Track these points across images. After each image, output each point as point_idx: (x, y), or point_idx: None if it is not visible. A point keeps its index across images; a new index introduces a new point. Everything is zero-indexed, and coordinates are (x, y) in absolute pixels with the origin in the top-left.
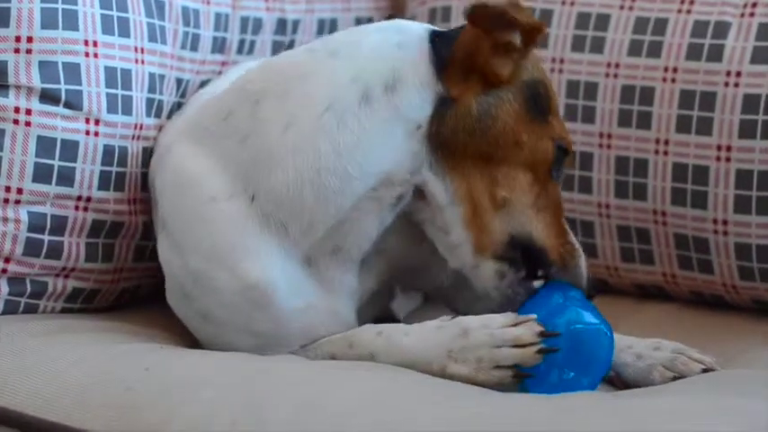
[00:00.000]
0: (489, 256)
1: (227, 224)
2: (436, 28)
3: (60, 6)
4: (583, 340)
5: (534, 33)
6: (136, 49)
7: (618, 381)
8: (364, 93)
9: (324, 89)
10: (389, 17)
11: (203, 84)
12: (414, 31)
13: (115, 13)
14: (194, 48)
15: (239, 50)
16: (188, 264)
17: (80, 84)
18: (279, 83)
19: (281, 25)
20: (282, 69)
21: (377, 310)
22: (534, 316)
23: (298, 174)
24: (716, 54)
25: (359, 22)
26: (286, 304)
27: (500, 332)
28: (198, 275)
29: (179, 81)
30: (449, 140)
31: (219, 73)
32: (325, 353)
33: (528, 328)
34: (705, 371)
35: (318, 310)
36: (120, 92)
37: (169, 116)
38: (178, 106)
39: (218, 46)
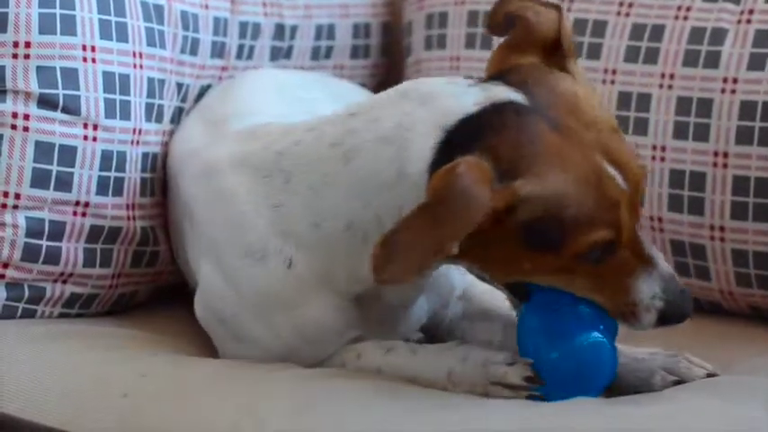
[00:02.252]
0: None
1: (273, 278)
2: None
3: (58, 11)
4: (583, 361)
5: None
6: (134, 54)
7: (618, 385)
8: (377, 218)
9: (341, 207)
10: None
11: (204, 89)
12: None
13: (113, 18)
14: (194, 52)
15: (239, 56)
16: (237, 312)
17: (78, 89)
18: (335, 144)
19: (280, 31)
20: (335, 136)
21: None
22: (530, 361)
23: (333, 234)
24: (713, 60)
25: (356, 28)
26: (338, 338)
27: (493, 368)
28: (252, 314)
29: (179, 86)
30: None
31: (220, 78)
32: (334, 361)
33: (517, 372)
34: (708, 376)
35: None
36: (118, 97)
37: (172, 121)
38: (179, 111)
39: (218, 50)
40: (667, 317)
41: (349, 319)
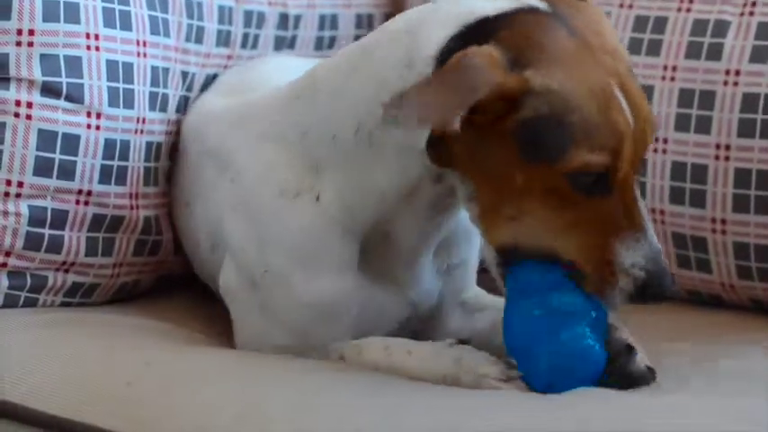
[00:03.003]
0: (493, 246)
1: (305, 219)
2: None
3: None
4: (570, 367)
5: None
6: (138, 43)
7: None
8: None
9: (353, 105)
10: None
11: (209, 78)
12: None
13: (117, 6)
14: (199, 40)
15: (243, 44)
16: (266, 258)
17: (81, 77)
18: (335, 80)
19: (283, 20)
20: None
21: (425, 306)
22: (520, 375)
23: (349, 182)
24: (715, 53)
25: (359, 18)
26: (348, 319)
27: (486, 382)
28: (274, 275)
29: (184, 74)
30: (450, 163)
31: (225, 67)
32: (336, 353)
33: (510, 388)
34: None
35: (370, 304)
36: (121, 85)
37: (178, 110)
38: (185, 100)
39: (223, 39)
40: (645, 290)
41: (356, 260)
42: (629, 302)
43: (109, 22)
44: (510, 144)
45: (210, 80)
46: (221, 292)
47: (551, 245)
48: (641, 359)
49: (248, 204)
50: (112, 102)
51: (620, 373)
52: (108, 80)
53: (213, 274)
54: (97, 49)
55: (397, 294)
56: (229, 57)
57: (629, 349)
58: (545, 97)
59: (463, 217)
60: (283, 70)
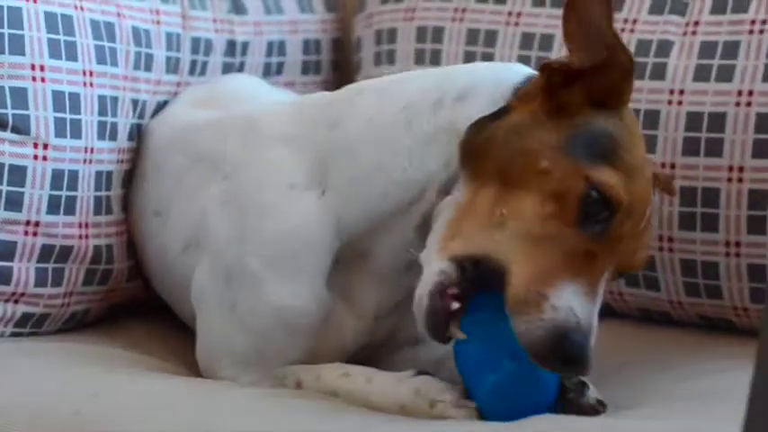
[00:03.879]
0: (445, 257)
1: (300, 219)
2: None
3: (6, 31)
4: (516, 396)
5: (615, 59)
6: (84, 73)
7: None
8: (438, 99)
9: (411, 91)
10: None
11: (161, 104)
12: (521, 68)
13: (62, 37)
14: (148, 68)
15: (191, 71)
16: (245, 254)
17: (27, 108)
18: (384, 81)
19: (231, 47)
20: (396, 75)
21: (383, 332)
22: (474, 406)
23: (361, 168)
24: (659, 72)
25: (307, 44)
26: (308, 331)
27: (440, 407)
28: (248, 270)
29: (135, 102)
30: (479, 150)
31: (175, 93)
32: (294, 378)
33: (462, 415)
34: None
35: (330, 323)
36: (68, 116)
37: (130, 138)
38: (137, 128)
39: (173, 66)
40: (567, 338)
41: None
42: (538, 339)
43: (54, 53)
44: (563, 134)
45: (162, 107)
46: (192, 293)
47: (507, 258)
48: (593, 392)
49: (244, 199)
50: (59, 132)
51: (571, 406)
52: (54, 111)
53: (180, 281)
54: (43, 80)
55: (359, 318)
56: (179, 84)
57: (582, 384)
58: (619, 122)
59: None
60: (250, 86)
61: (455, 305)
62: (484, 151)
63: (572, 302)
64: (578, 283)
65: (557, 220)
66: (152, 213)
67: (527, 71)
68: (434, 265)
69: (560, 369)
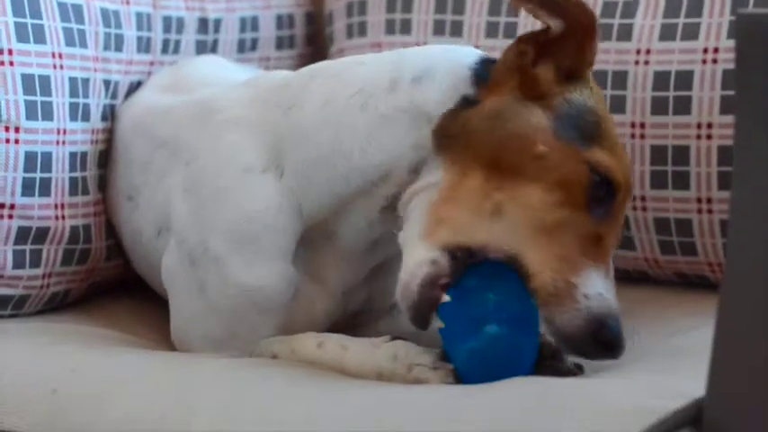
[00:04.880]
0: (435, 245)
1: (259, 201)
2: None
3: None
4: (497, 362)
5: (579, 21)
6: (53, 55)
7: None
8: (393, 81)
9: (365, 74)
10: None
11: (133, 84)
12: (471, 50)
13: (29, 21)
14: (119, 48)
15: (164, 50)
16: (207, 238)
17: None
18: (339, 64)
19: (203, 24)
20: (350, 57)
21: (354, 305)
22: (451, 367)
23: (318, 151)
24: (625, 33)
25: (280, 18)
26: (278, 310)
27: (417, 371)
28: (211, 254)
29: (107, 83)
30: (457, 136)
31: (148, 73)
32: (269, 352)
33: (439, 377)
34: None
35: (299, 301)
36: (39, 98)
37: (104, 119)
38: (111, 108)
39: (144, 45)
40: (605, 326)
41: (292, 250)
42: (578, 330)
43: (22, 37)
44: (549, 115)
45: (135, 87)
46: (162, 276)
47: (518, 250)
48: (569, 358)
49: (204, 183)
50: (30, 115)
51: (548, 370)
52: (25, 94)
53: (156, 264)
54: (11, 63)
55: (328, 293)
56: (152, 63)
57: (559, 352)
58: (592, 93)
59: None
60: (215, 68)
61: (445, 297)
62: (464, 138)
63: (600, 288)
64: (598, 266)
65: (566, 206)
66: (125, 198)
67: (478, 53)
68: (423, 254)
69: (599, 356)
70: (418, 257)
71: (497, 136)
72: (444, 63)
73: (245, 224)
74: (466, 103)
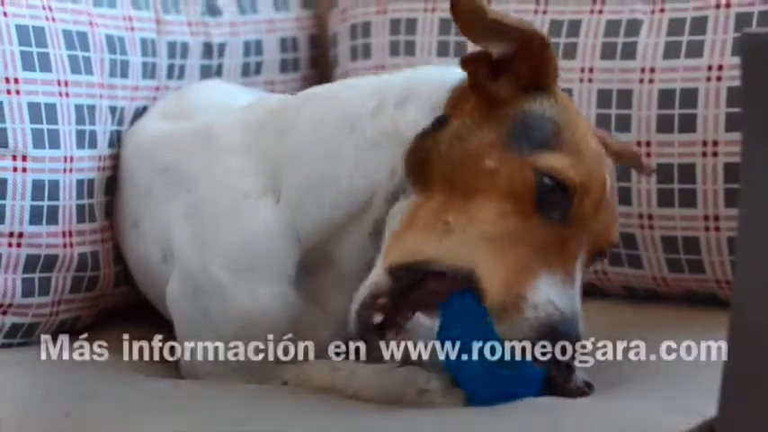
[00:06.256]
0: (383, 268)
1: (258, 226)
2: None
3: None
4: (505, 382)
5: (529, 42)
6: (59, 83)
7: None
8: (379, 104)
9: (353, 98)
10: None
11: (139, 110)
12: (457, 69)
13: (35, 50)
14: (124, 74)
15: (169, 75)
16: (208, 265)
17: (4, 121)
18: (332, 88)
19: (208, 49)
20: (344, 80)
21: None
22: (463, 394)
23: (310, 175)
24: (630, 52)
25: (283, 42)
26: (283, 332)
27: (429, 396)
28: (213, 280)
29: (113, 109)
30: (423, 160)
31: (154, 99)
32: (279, 379)
33: (450, 401)
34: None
35: (301, 324)
36: (45, 126)
37: (110, 145)
38: (117, 134)
39: (149, 71)
40: (552, 329)
41: (294, 276)
42: (526, 335)
43: (28, 65)
44: (502, 129)
45: (141, 112)
46: (167, 303)
47: (470, 265)
48: (579, 375)
49: (204, 210)
50: (37, 143)
51: (557, 390)
52: (31, 122)
53: (163, 290)
54: (18, 92)
55: (329, 317)
56: (157, 88)
57: (568, 369)
58: (555, 103)
59: None
60: (217, 93)
61: (377, 318)
62: (428, 162)
63: (550, 295)
64: (553, 272)
65: (516, 216)
66: (130, 225)
67: (462, 73)
68: (371, 278)
69: (551, 362)
70: (367, 281)
71: (453, 157)
72: (426, 85)
73: (245, 250)
74: (439, 124)
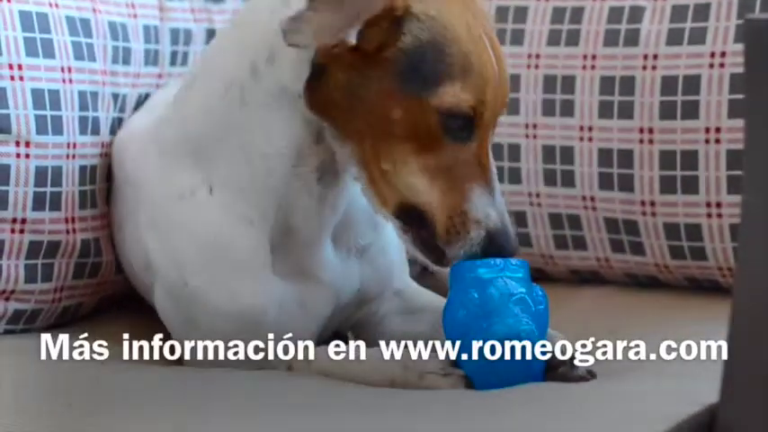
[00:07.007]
0: (389, 213)
1: (207, 223)
2: None
3: None
4: (507, 365)
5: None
6: (62, 69)
7: None
8: (252, 65)
9: (227, 66)
10: None
11: (142, 97)
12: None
13: (38, 36)
14: (127, 61)
15: (172, 62)
16: (182, 275)
17: (7, 108)
18: (207, 60)
19: (211, 35)
20: (213, 47)
21: (346, 295)
22: (462, 373)
23: (230, 156)
24: (632, 39)
25: None
26: (269, 322)
27: (429, 378)
28: (192, 288)
29: (115, 96)
30: (328, 110)
31: (156, 86)
32: (283, 365)
33: (450, 383)
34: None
35: (288, 306)
36: (48, 112)
37: (112, 132)
38: (119, 121)
39: (152, 58)
40: (495, 241)
41: (270, 260)
42: (472, 253)
43: (31, 51)
44: (391, 75)
45: (143, 99)
46: (157, 311)
47: (416, 199)
48: (581, 363)
49: (157, 221)
50: (40, 129)
51: (559, 378)
52: (34, 108)
53: (150, 293)
54: (21, 78)
55: (316, 288)
56: (159, 75)
57: (571, 360)
58: (425, 23)
59: (357, 198)
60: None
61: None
62: (336, 114)
63: (485, 206)
64: (478, 185)
65: (432, 151)
66: (117, 227)
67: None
68: (392, 223)
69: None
70: (394, 226)
71: (358, 111)
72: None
73: (207, 251)
74: (318, 71)
